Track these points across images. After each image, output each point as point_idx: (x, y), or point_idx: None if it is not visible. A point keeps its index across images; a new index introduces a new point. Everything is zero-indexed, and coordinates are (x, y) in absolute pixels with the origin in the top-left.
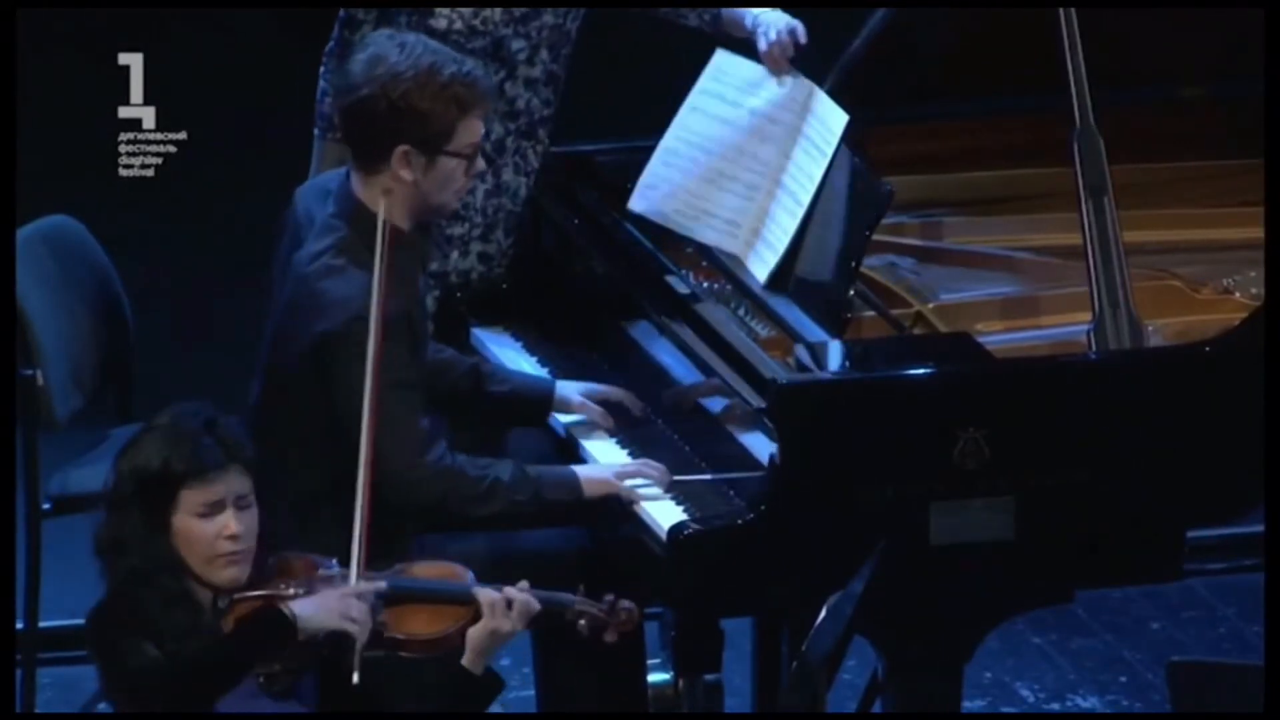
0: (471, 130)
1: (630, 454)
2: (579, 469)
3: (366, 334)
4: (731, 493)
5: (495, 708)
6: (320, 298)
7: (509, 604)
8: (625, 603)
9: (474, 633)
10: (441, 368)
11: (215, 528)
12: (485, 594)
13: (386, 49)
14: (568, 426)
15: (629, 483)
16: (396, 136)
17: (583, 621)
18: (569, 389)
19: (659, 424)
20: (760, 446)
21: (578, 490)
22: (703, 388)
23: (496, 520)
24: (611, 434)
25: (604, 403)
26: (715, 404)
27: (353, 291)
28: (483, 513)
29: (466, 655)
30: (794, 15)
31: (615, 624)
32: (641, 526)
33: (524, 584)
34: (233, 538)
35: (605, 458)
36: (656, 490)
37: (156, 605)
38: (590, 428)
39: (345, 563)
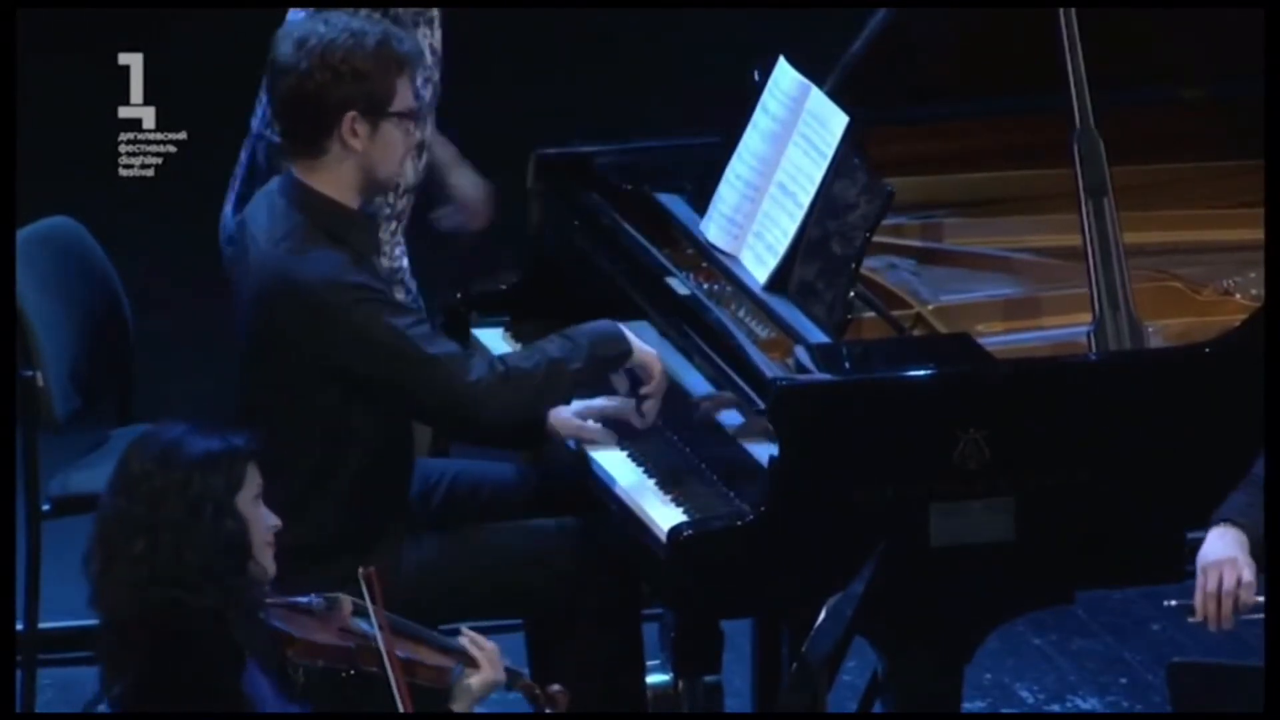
0: (407, 93)
1: (630, 454)
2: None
3: (347, 291)
4: (732, 494)
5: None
6: (292, 282)
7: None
8: (555, 687)
9: (476, 681)
10: None
11: (265, 515)
12: (483, 647)
13: (310, 27)
14: None
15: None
16: (343, 104)
17: (536, 693)
18: (563, 410)
19: (659, 424)
20: (760, 448)
21: (624, 342)
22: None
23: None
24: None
25: (601, 417)
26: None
27: (318, 268)
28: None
29: (460, 702)
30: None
31: (546, 703)
32: (641, 528)
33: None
34: (274, 527)
35: (608, 461)
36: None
37: (243, 583)
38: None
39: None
